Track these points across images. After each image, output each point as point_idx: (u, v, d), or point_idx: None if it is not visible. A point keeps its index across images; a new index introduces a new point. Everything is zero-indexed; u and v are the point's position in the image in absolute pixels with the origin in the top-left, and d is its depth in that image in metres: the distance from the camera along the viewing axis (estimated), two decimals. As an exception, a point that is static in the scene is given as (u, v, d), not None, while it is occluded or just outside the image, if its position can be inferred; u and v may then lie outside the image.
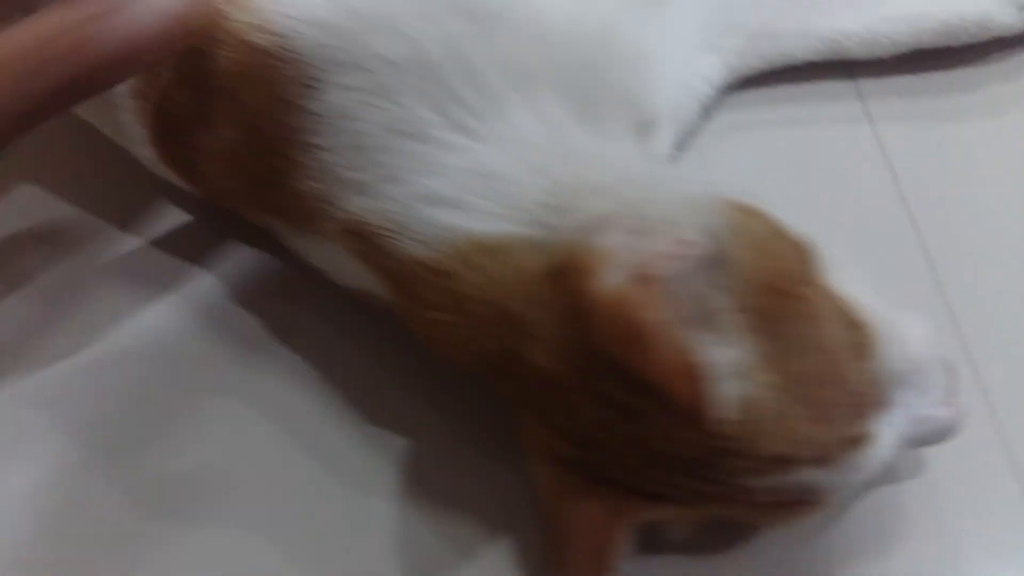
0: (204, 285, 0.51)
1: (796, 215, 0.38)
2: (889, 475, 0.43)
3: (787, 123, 0.58)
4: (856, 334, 0.37)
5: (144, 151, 0.48)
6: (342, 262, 0.44)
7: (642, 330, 0.32)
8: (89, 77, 0.30)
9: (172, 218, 0.53)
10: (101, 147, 0.51)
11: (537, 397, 0.39)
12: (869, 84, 0.58)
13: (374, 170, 0.40)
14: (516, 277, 0.37)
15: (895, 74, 0.58)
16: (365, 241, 0.41)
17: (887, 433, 0.38)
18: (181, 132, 0.45)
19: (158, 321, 0.50)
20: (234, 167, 0.44)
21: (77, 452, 0.47)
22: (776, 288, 0.36)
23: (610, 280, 0.33)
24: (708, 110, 0.55)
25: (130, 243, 0.52)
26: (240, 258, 0.52)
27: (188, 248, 0.52)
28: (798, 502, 0.38)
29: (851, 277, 0.39)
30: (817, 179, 0.56)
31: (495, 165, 0.39)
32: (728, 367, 0.34)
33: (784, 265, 0.36)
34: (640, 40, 0.46)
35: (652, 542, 0.42)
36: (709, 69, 0.54)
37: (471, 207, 0.38)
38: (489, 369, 0.40)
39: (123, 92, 0.45)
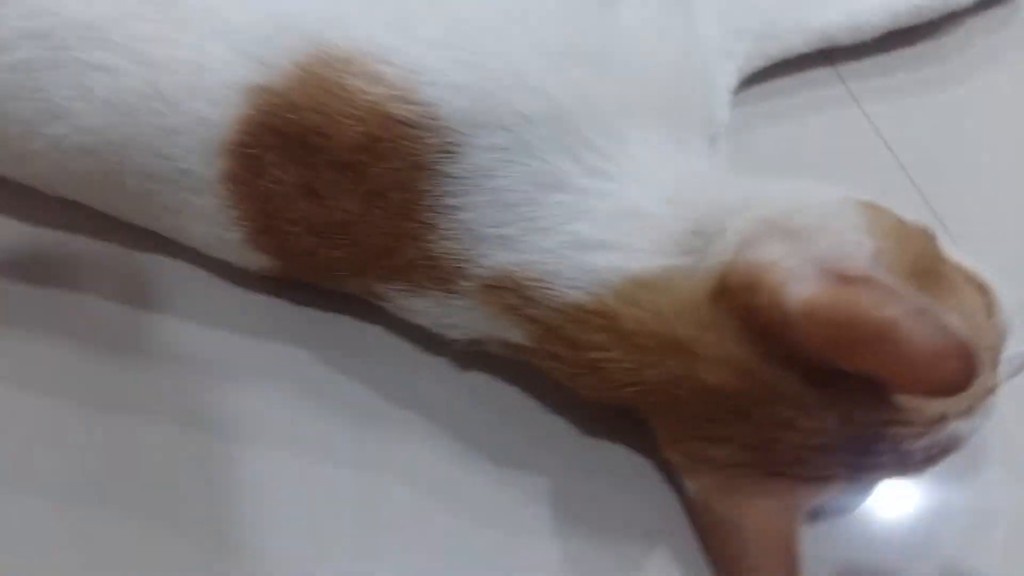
0: (302, 362, 0.49)
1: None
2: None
3: (782, 115, 0.62)
4: (984, 297, 0.41)
5: (226, 234, 0.45)
6: (472, 316, 0.44)
7: (886, 326, 0.34)
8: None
9: (244, 302, 0.51)
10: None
11: (699, 414, 0.41)
12: (847, 68, 0.64)
13: (519, 224, 0.41)
14: (679, 306, 0.40)
15: (868, 55, 0.64)
16: (513, 293, 0.41)
17: (1004, 376, 0.43)
18: (281, 210, 0.43)
19: (271, 409, 0.48)
20: (348, 237, 0.43)
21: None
22: (922, 269, 0.39)
23: (801, 289, 0.36)
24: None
25: (218, 334, 0.50)
26: (326, 331, 0.50)
27: (278, 329, 0.50)
28: (943, 452, 0.42)
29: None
30: (819, 162, 0.61)
31: (635, 203, 0.41)
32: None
33: (921, 247, 0.40)
34: (702, 59, 0.49)
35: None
36: (729, 75, 0.57)
37: (623, 247, 0.40)
38: (644, 398, 0.42)
39: (210, 178, 0.43)
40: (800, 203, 0.40)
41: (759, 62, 0.60)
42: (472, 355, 0.48)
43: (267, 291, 0.51)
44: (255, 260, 0.47)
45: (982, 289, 0.42)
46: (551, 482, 0.48)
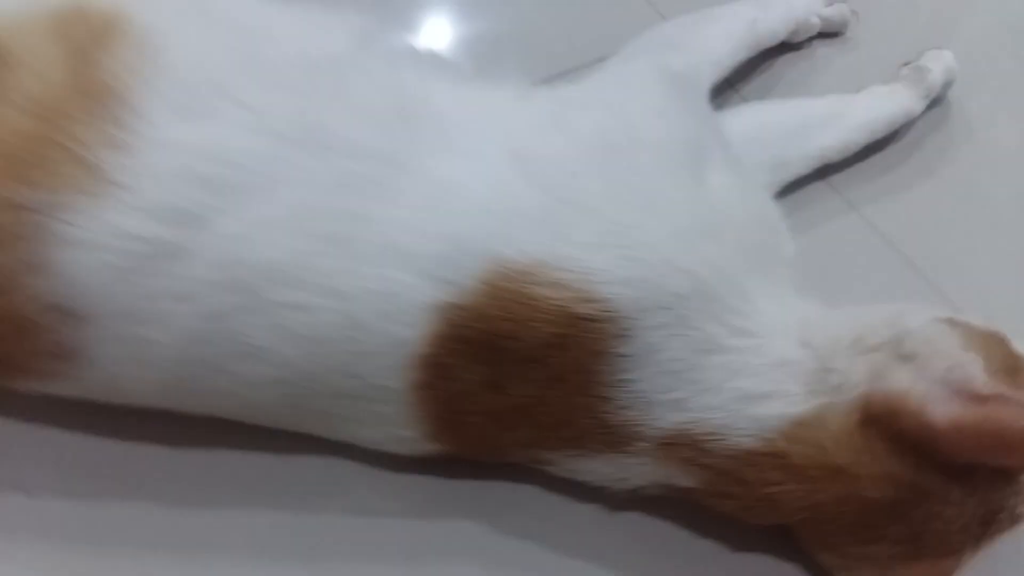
0: (472, 534, 0.52)
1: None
2: None
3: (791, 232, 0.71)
4: None
5: (405, 433, 0.49)
6: (644, 470, 0.49)
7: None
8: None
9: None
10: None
11: (857, 522, 0.48)
12: (838, 179, 0.74)
13: (688, 387, 0.46)
14: (836, 438, 0.46)
15: (852, 165, 0.74)
16: (688, 447, 0.47)
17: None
18: (464, 404, 0.47)
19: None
20: (527, 418, 0.47)
21: None
22: (1011, 367, 0.47)
23: (943, 410, 0.43)
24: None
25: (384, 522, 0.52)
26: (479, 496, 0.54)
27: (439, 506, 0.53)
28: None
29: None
30: (830, 274, 0.68)
31: (780, 353, 0.47)
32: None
33: (1004, 350, 0.49)
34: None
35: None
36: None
37: (783, 394, 0.47)
38: (811, 518, 0.48)
39: (400, 389, 0.46)
40: (904, 329, 0.48)
41: (773, 190, 0.69)
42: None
43: (414, 470, 0.54)
44: (427, 450, 0.50)
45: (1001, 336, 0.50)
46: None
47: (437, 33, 0.84)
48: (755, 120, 0.69)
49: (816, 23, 0.80)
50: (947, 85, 0.77)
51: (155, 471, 0.53)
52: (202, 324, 0.44)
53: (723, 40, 0.70)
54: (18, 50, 0.45)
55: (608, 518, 0.54)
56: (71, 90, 0.44)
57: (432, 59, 0.56)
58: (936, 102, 0.77)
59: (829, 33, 0.83)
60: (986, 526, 0.48)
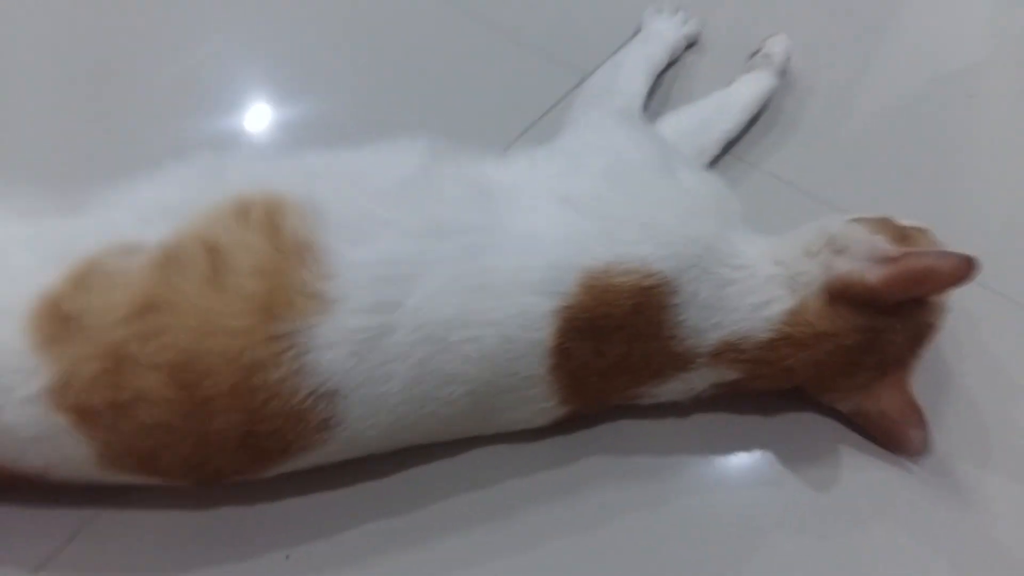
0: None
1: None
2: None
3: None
4: (926, 233, 0.77)
5: (545, 405, 0.71)
6: (703, 377, 0.73)
7: (930, 267, 0.68)
8: None
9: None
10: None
11: (841, 365, 0.73)
12: (737, 150, 1.00)
13: (719, 313, 0.71)
14: (816, 314, 0.71)
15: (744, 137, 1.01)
16: (731, 352, 0.71)
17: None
18: (582, 372, 0.70)
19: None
20: (622, 369, 0.71)
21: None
22: (900, 234, 0.73)
23: (873, 273, 0.69)
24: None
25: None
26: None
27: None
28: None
29: None
30: (757, 216, 0.93)
31: (768, 272, 0.73)
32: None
33: (891, 224, 0.75)
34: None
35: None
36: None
37: (779, 298, 0.72)
38: (814, 375, 0.74)
39: (542, 374, 0.69)
40: (829, 233, 0.74)
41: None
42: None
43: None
44: (558, 416, 0.73)
45: (922, 229, 0.77)
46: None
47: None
48: (673, 126, 0.95)
49: (683, 44, 1.07)
50: (788, 60, 1.05)
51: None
52: (414, 371, 0.65)
53: (635, 77, 0.96)
54: (222, 239, 0.65)
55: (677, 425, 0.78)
56: (276, 252, 0.64)
57: (467, 151, 0.78)
58: (783, 74, 1.06)
59: (690, 45, 1.11)
60: (918, 340, 0.74)
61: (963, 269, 0.68)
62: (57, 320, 0.62)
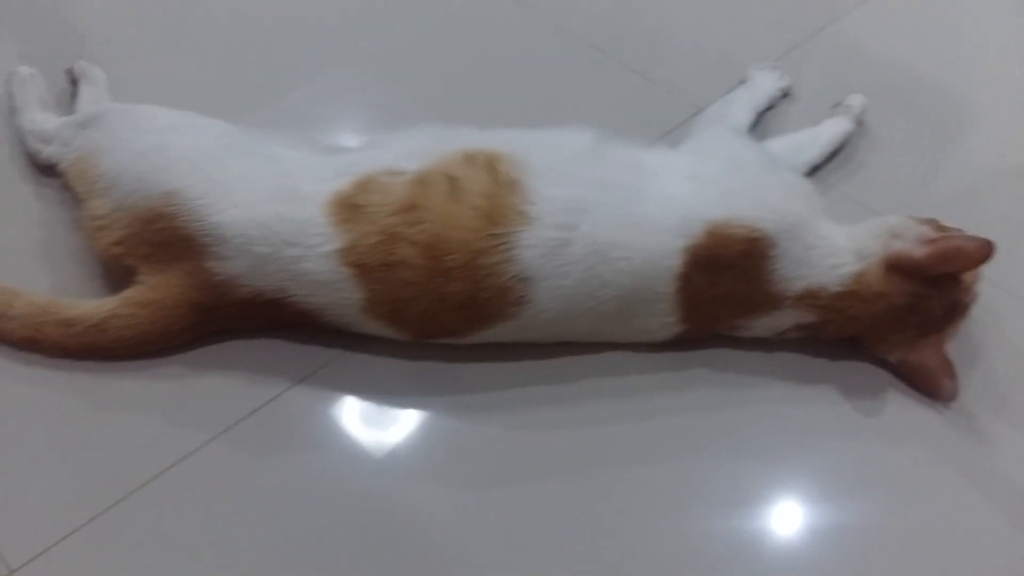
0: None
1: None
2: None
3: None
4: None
5: (668, 319, 0.97)
6: (788, 318, 0.98)
7: (959, 247, 0.93)
8: None
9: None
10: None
11: (891, 322, 0.98)
12: (821, 174, 1.27)
13: (807, 266, 0.97)
14: (875, 278, 0.97)
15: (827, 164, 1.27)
16: (811, 298, 0.97)
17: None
18: (700, 297, 0.96)
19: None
20: (728, 301, 0.97)
21: None
22: (940, 229, 0.99)
23: (920, 250, 0.95)
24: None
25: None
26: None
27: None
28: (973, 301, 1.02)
29: None
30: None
31: (841, 244, 0.99)
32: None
33: (936, 224, 1.00)
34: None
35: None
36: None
37: (848, 263, 0.97)
38: (870, 327, 0.98)
39: (670, 292, 0.95)
40: (889, 224, 0.99)
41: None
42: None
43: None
44: (677, 332, 0.98)
45: (959, 229, 1.02)
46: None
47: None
48: (773, 150, 1.22)
49: (779, 95, 1.35)
50: (863, 111, 1.32)
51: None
52: (584, 273, 0.92)
53: (743, 111, 1.25)
54: (457, 172, 0.93)
55: (764, 357, 1.02)
56: (495, 184, 0.93)
57: (623, 141, 1.05)
58: (860, 121, 1.32)
59: (784, 95, 1.39)
60: (953, 311, 0.99)
61: (985, 249, 0.93)
62: (348, 208, 0.91)
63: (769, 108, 1.35)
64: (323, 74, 1.34)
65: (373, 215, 0.90)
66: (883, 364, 1.02)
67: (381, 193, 0.91)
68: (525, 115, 1.30)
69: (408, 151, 0.98)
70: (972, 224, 1.02)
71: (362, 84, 1.34)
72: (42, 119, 1.10)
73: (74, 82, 1.21)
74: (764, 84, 1.34)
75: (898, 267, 0.96)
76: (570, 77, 1.40)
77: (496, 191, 0.92)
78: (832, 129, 1.28)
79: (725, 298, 0.97)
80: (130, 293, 0.90)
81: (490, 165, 0.94)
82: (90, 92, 1.18)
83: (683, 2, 1.58)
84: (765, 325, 1.00)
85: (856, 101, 1.31)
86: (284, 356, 0.95)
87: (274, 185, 0.92)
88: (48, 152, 1.06)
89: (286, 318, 0.93)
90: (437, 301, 0.91)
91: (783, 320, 1.00)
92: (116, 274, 0.93)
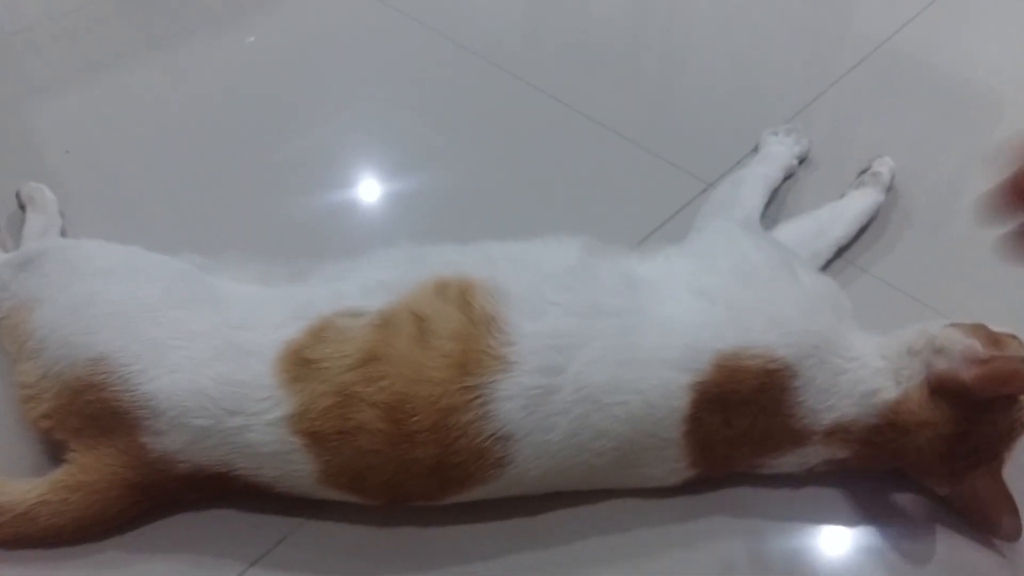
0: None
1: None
2: None
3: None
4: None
5: (676, 465, 0.84)
6: (816, 454, 0.85)
7: (1016, 371, 0.78)
8: None
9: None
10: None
11: (937, 453, 0.83)
12: (848, 255, 1.13)
13: (836, 396, 0.83)
14: (918, 405, 0.83)
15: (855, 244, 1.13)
16: (842, 432, 0.83)
17: None
18: (711, 438, 0.82)
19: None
20: (746, 439, 0.84)
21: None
22: (993, 343, 0.84)
23: (968, 372, 0.80)
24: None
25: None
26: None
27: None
28: None
29: None
30: (863, 313, 1.07)
31: (875, 365, 0.85)
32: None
33: (986, 333, 0.85)
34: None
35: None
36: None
37: (885, 388, 0.83)
38: (915, 460, 0.84)
39: (677, 438, 0.82)
40: (930, 336, 0.85)
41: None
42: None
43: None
44: (687, 477, 0.85)
45: (1012, 335, 0.87)
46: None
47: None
48: (791, 231, 1.08)
49: (796, 163, 1.22)
50: (893, 177, 1.18)
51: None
52: (573, 424, 0.79)
53: (754, 193, 1.11)
54: (426, 309, 0.81)
55: (791, 495, 0.89)
56: (469, 322, 0.80)
57: (614, 249, 0.93)
58: (889, 189, 1.18)
59: (801, 160, 1.25)
60: (1010, 435, 0.84)
61: None
62: (299, 363, 0.79)
63: (787, 178, 1.22)
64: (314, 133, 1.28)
65: (327, 372, 0.78)
66: (933, 496, 0.88)
67: (337, 342, 0.79)
68: (521, 194, 1.23)
69: (376, 280, 0.86)
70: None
71: (354, 148, 1.28)
72: None
73: (22, 207, 1.12)
74: (779, 154, 1.20)
75: (944, 391, 0.82)
76: (571, 151, 1.30)
77: (470, 332, 0.80)
78: (859, 202, 1.14)
79: (742, 438, 0.84)
80: (60, 475, 0.79)
81: (463, 298, 0.82)
82: (37, 221, 1.08)
83: (686, 74, 1.49)
84: (790, 463, 0.86)
85: (884, 167, 1.17)
86: (237, 531, 0.83)
87: (217, 341, 0.81)
88: None
89: (236, 489, 0.82)
90: (402, 469, 0.79)
91: (810, 457, 0.86)
92: (53, 444, 0.83)
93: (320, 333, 0.81)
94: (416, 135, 1.32)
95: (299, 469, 0.79)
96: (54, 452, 0.83)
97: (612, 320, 0.83)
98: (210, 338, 0.81)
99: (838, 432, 0.83)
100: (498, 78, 1.40)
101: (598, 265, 0.88)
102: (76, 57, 1.41)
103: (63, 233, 1.09)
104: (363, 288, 0.85)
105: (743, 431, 0.83)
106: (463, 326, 0.80)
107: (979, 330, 0.85)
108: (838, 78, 1.41)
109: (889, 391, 0.84)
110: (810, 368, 0.83)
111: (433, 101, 1.37)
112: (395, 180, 1.26)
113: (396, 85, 1.40)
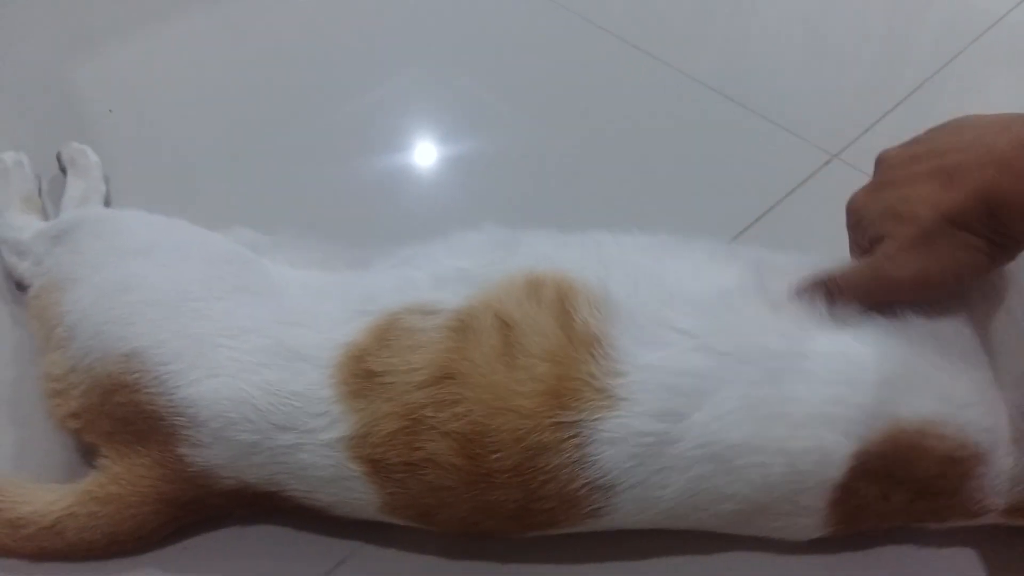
0: None
1: None
2: None
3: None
4: None
5: (806, 521, 0.68)
6: (980, 521, 0.68)
7: None
8: None
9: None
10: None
11: None
12: None
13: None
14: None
15: None
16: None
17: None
18: (862, 509, 0.66)
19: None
20: (900, 514, 0.67)
21: None
22: None
23: None
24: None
25: None
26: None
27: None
28: None
29: None
30: None
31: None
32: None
33: None
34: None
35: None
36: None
37: None
38: None
39: (819, 507, 0.66)
40: None
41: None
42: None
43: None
44: (819, 535, 0.69)
45: None
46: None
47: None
48: None
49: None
50: None
51: None
52: (691, 484, 0.64)
53: None
54: (515, 315, 0.66)
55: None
56: (567, 340, 0.64)
57: (784, 270, 0.71)
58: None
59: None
60: None
61: None
62: (360, 375, 0.66)
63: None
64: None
65: (392, 388, 0.64)
66: None
67: (405, 350, 0.65)
68: (616, 163, 1.07)
69: (454, 268, 0.71)
70: None
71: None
72: (20, 224, 0.88)
73: (63, 170, 1.00)
74: None
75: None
76: (671, 115, 1.13)
77: (567, 352, 0.64)
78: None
79: (898, 512, 0.67)
80: (88, 486, 0.69)
81: (561, 304, 0.66)
82: (78, 186, 0.96)
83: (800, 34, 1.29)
84: (952, 526, 0.70)
85: None
86: (289, 551, 0.73)
87: (268, 340, 0.68)
88: (22, 269, 0.84)
89: (289, 507, 0.71)
90: (478, 510, 0.66)
91: (979, 522, 0.69)
92: (84, 445, 0.73)
93: (385, 335, 0.67)
94: (490, 95, 1.15)
95: (359, 498, 0.67)
96: (86, 450, 0.73)
97: (762, 363, 0.64)
98: (259, 336, 0.68)
99: (1021, 507, 0.66)
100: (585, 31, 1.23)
101: (751, 296, 0.68)
102: (121, 6, 1.26)
103: (107, 202, 0.98)
104: (437, 277, 0.71)
105: (903, 506, 0.66)
106: (560, 342, 0.65)
107: None
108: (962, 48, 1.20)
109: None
110: (1007, 455, 0.64)
111: (509, 55, 1.21)
112: (462, 143, 1.10)
113: (465, 38, 1.24)
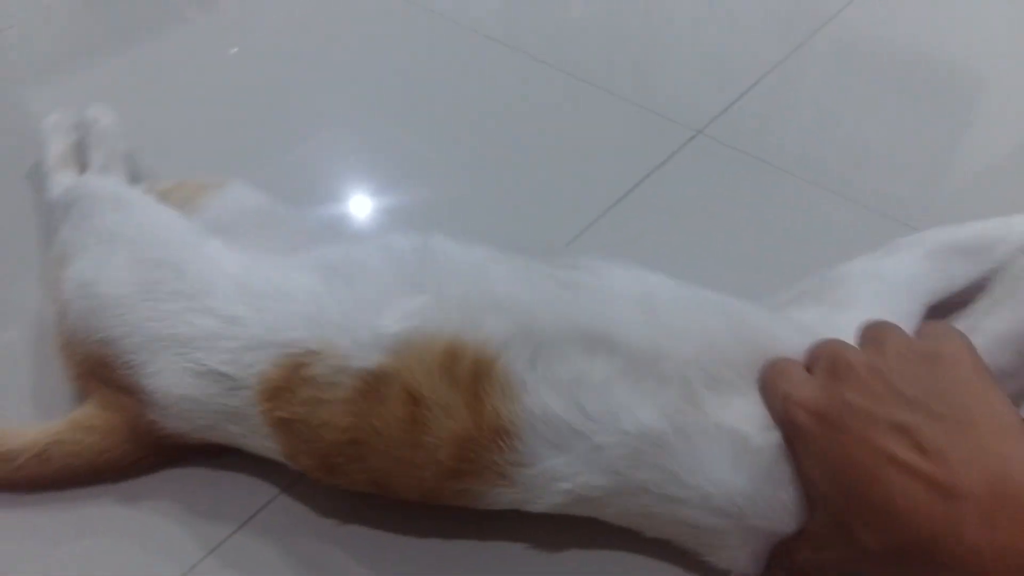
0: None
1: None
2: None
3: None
4: None
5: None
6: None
7: None
8: None
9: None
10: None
11: None
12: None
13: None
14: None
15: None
16: None
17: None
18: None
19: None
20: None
21: None
22: None
23: None
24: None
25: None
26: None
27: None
28: None
29: None
30: None
31: None
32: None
33: None
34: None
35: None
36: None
37: None
38: None
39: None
40: None
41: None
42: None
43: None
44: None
45: None
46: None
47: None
48: None
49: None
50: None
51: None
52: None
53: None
54: (424, 390, 0.66)
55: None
56: (474, 426, 0.65)
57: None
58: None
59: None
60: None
61: None
62: (276, 410, 0.72)
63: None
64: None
65: (304, 432, 0.71)
66: None
67: (313, 401, 0.69)
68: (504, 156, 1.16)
69: (370, 328, 0.70)
70: None
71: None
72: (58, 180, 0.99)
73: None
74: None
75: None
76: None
77: (473, 438, 0.65)
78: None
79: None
80: (77, 415, 0.81)
81: (474, 386, 0.65)
82: (96, 157, 1.03)
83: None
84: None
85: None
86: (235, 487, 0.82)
87: (203, 354, 0.74)
88: None
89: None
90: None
91: None
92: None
93: (292, 377, 0.70)
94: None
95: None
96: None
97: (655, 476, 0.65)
98: (199, 347, 0.74)
99: None
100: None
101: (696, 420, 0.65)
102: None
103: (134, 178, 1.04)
104: (352, 332, 0.69)
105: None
106: (466, 431, 0.65)
107: None
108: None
109: None
110: None
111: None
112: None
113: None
